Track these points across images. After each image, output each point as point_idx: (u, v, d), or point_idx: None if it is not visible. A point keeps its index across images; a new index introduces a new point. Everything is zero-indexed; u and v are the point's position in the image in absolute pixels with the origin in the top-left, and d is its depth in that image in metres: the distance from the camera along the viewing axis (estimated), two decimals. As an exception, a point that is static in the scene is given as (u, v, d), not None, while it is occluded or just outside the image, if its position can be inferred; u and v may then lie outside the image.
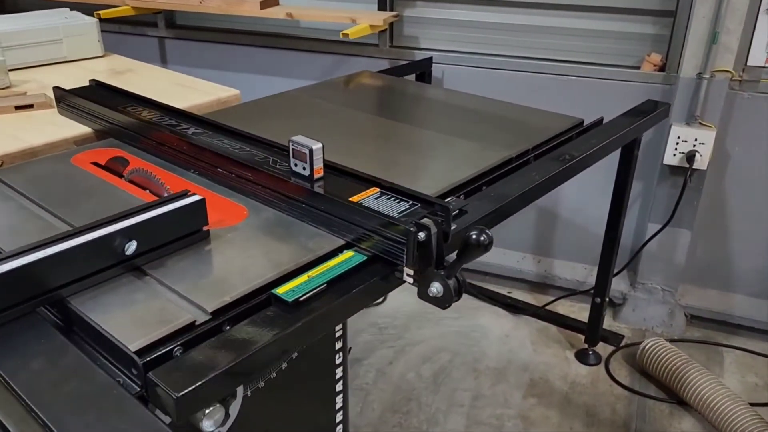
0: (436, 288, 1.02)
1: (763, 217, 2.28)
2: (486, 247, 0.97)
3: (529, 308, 2.61)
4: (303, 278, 0.99)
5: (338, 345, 1.24)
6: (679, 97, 2.16)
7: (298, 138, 1.14)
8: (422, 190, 1.16)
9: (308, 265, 1.02)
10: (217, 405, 0.94)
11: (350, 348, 2.36)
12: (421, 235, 0.99)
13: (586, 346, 2.34)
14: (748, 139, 2.19)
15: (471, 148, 1.51)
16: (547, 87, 2.37)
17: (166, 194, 1.19)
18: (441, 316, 2.58)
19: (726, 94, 2.13)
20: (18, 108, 1.70)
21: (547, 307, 2.62)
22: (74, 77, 1.86)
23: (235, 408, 1.00)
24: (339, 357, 1.26)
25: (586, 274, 2.59)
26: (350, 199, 1.08)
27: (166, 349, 0.83)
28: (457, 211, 1.21)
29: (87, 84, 1.73)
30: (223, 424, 0.97)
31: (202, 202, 1.05)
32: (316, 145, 1.12)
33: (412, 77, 2.39)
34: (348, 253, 1.06)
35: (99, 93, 1.65)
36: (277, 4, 2.56)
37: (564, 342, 2.44)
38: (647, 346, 2.21)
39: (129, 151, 1.43)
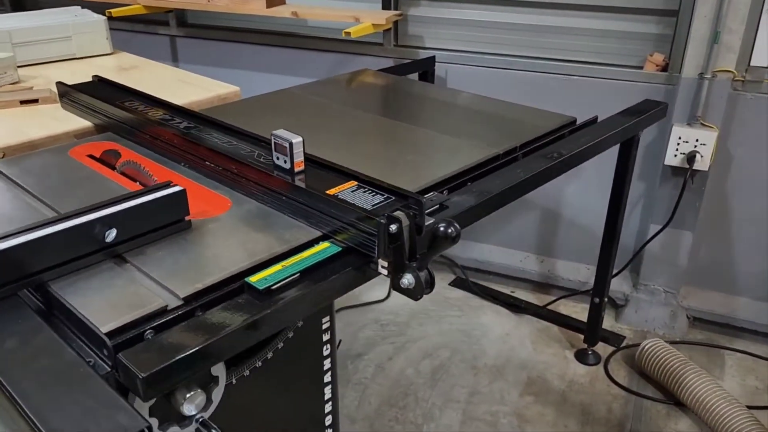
0: (407, 279, 1.04)
1: (767, 220, 2.26)
2: (453, 239, 0.99)
3: (530, 308, 2.61)
4: (277, 267, 1.01)
5: (326, 337, 1.26)
6: (681, 97, 2.15)
7: (280, 132, 1.17)
8: (406, 184, 1.19)
9: (284, 255, 1.05)
10: (198, 390, 0.97)
11: (340, 341, 2.39)
12: (393, 227, 1.01)
13: (585, 346, 2.33)
14: (752, 140, 2.17)
15: (459, 145, 1.52)
16: (549, 86, 2.37)
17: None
18: (443, 314, 2.60)
19: (729, 95, 2.11)
20: (23, 102, 1.76)
21: (548, 307, 2.62)
22: (82, 74, 1.91)
23: (217, 394, 1.02)
24: (327, 349, 1.28)
25: (588, 274, 2.58)
26: (327, 191, 1.11)
27: (137, 332, 0.87)
28: (437, 206, 1.23)
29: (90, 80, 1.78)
30: (205, 409, 1.00)
31: (183, 192, 1.08)
32: (296, 139, 1.15)
33: (415, 76, 2.41)
34: (323, 245, 1.08)
35: (100, 89, 1.70)
36: (284, 2, 2.60)
37: (564, 342, 2.43)
38: (646, 347, 2.21)
39: (125, 144, 1.47)
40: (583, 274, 2.59)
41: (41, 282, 0.95)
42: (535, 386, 2.21)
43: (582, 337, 2.37)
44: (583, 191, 2.49)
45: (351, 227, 1.05)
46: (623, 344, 2.41)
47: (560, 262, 2.65)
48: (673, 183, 2.26)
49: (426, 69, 2.40)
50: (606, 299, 2.21)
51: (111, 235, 1.00)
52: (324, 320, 1.24)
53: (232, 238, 1.09)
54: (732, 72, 2.06)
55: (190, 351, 0.84)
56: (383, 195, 1.11)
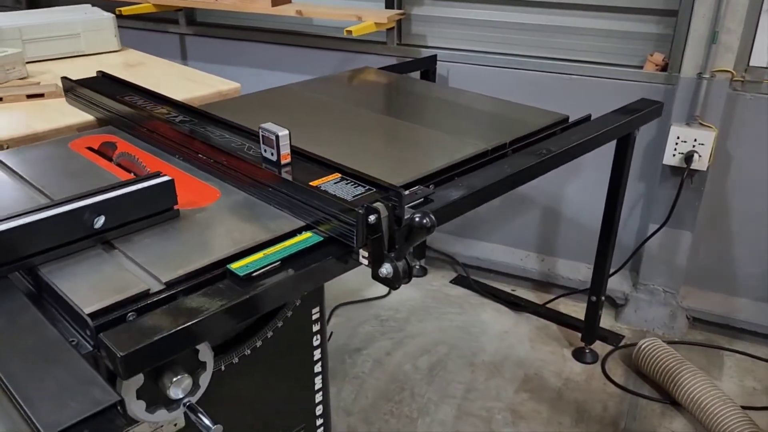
0: (386, 269, 1.06)
1: (767, 221, 2.25)
2: (428, 229, 1.01)
3: (530, 306, 2.62)
4: (259, 255, 1.05)
5: (316, 327, 1.29)
6: (679, 97, 2.16)
7: (267, 125, 1.20)
8: (392, 178, 1.21)
9: (267, 243, 1.08)
10: (185, 374, 1.00)
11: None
12: (372, 217, 1.04)
13: (583, 344, 2.34)
14: (751, 140, 2.16)
15: (448, 141, 1.55)
16: (549, 85, 2.38)
17: (145, 176, 1.26)
18: (443, 311, 2.62)
19: (728, 95, 2.11)
20: (30, 96, 1.81)
21: (548, 306, 2.63)
22: (90, 70, 1.96)
23: (204, 379, 1.05)
24: (317, 339, 1.31)
25: (588, 273, 2.57)
26: (311, 183, 1.14)
27: (119, 314, 0.90)
28: (422, 199, 1.26)
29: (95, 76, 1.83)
30: (192, 393, 1.03)
31: (171, 182, 1.11)
32: (282, 132, 1.18)
33: (417, 75, 2.44)
34: (306, 234, 1.11)
35: (103, 84, 1.75)
36: (289, 1, 2.64)
37: (563, 340, 2.44)
38: (643, 346, 2.21)
39: (124, 137, 1.51)
40: (583, 273, 2.60)
41: (31, 266, 0.99)
42: (531, 383, 2.23)
43: (580, 335, 2.38)
44: (583, 191, 2.50)
45: (332, 218, 1.08)
46: (621, 343, 2.41)
47: (560, 261, 2.66)
48: (672, 183, 2.26)
49: (427, 68, 2.42)
50: (603, 298, 2.22)
51: (99, 221, 1.04)
52: (314, 311, 1.27)
53: (218, 227, 1.13)
54: (730, 72, 2.06)
55: (168, 332, 0.88)
56: (365, 187, 1.14)
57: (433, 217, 1.01)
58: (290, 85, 1.98)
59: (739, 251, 2.35)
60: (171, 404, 1.00)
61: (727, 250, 2.37)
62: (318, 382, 1.35)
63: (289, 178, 1.16)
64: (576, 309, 2.59)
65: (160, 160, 1.37)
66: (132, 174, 1.32)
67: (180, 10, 3.02)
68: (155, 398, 0.99)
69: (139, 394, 0.97)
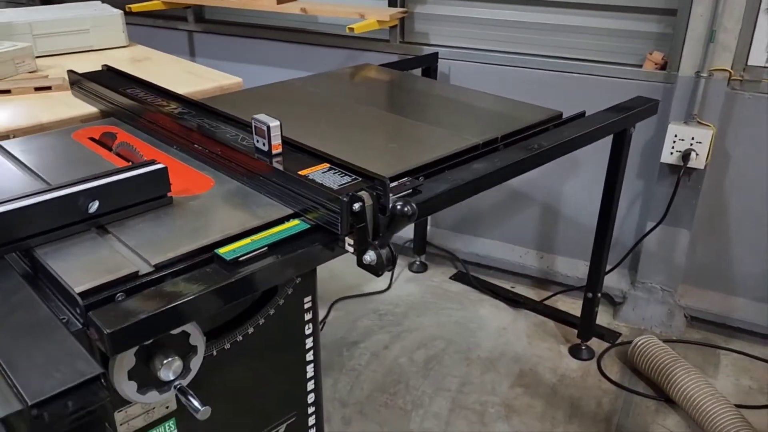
0: (369, 256, 1.09)
1: (765, 221, 2.26)
2: (410, 217, 1.04)
3: (528, 302, 2.64)
4: (246, 241, 1.08)
5: (308, 316, 1.32)
6: (678, 96, 2.17)
7: (259, 116, 1.23)
8: (384, 170, 1.24)
9: (255, 230, 1.12)
10: (176, 357, 1.04)
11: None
12: (356, 206, 1.07)
13: (579, 341, 2.36)
14: (749, 139, 2.17)
15: (441, 135, 1.58)
16: (549, 83, 2.40)
17: (142, 165, 1.30)
18: (442, 307, 2.64)
19: (726, 94, 2.12)
20: (37, 89, 1.86)
21: (546, 302, 2.65)
22: (98, 65, 2.00)
23: (196, 363, 1.09)
24: (309, 328, 1.34)
25: (587, 271, 2.59)
26: (300, 172, 1.17)
27: (109, 294, 0.94)
28: (410, 190, 1.29)
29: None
30: (183, 376, 1.07)
31: (164, 170, 1.15)
32: (274, 123, 1.21)
33: (418, 72, 2.47)
34: (293, 222, 1.15)
35: (108, 77, 1.79)
36: (294, -1, 2.68)
37: (560, 336, 2.46)
38: (638, 343, 2.23)
39: (125, 128, 1.55)
40: (582, 270, 2.61)
41: (28, 247, 1.03)
42: (526, 378, 2.25)
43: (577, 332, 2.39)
44: (582, 189, 2.52)
45: (318, 206, 1.11)
46: (618, 341, 2.42)
47: (559, 258, 2.68)
48: (669, 181, 2.27)
49: (428, 65, 2.45)
50: (599, 294, 2.24)
51: (93, 206, 1.08)
52: (306, 300, 1.30)
53: (210, 214, 1.16)
54: (728, 71, 2.07)
55: (154, 312, 0.91)
56: (351, 176, 1.17)
57: (414, 205, 1.04)
58: (291, 80, 2.02)
59: (737, 250, 2.35)
60: (162, 386, 1.04)
61: (725, 249, 2.37)
62: (310, 370, 1.38)
63: (279, 167, 1.20)
64: (574, 306, 2.61)
65: (157, 150, 1.41)
66: (129, 163, 1.36)
67: (188, 8, 3.07)
68: (146, 380, 1.02)
69: (131, 376, 1.00)
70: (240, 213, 1.17)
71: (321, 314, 2.52)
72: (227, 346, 1.17)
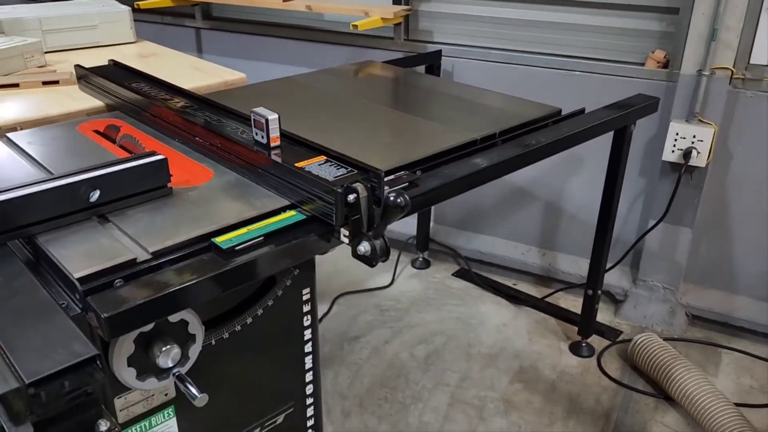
0: (363, 247, 1.11)
1: (767, 219, 2.26)
2: (402, 208, 1.06)
3: (529, 299, 2.65)
4: (243, 230, 1.10)
5: (306, 308, 1.34)
6: (679, 94, 2.17)
7: (259, 109, 1.26)
8: (382, 163, 1.26)
9: (251, 220, 1.14)
10: (174, 344, 1.07)
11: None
12: (351, 197, 1.09)
13: (580, 338, 2.37)
14: (751, 138, 2.17)
15: (440, 130, 1.59)
16: (552, 81, 2.41)
17: (143, 156, 1.33)
18: (443, 303, 2.66)
19: (728, 93, 2.13)
20: (45, 83, 1.89)
21: (547, 300, 2.66)
22: (105, 60, 2.04)
23: (194, 351, 1.11)
24: (307, 319, 1.36)
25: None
26: (296, 164, 1.19)
27: (107, 280, 0.96)
28: (407, 184, 1.31)
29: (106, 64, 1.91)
30: (182, 364, 1.09)
31: (164, 161, 1.18)
32: (272, 116, 1.24)
33: (422, 69, 2.48)
34: (290, 213, 1.17)
35: (114, 72, 1.82)
36: (300, -3, 2.70)
37: (560, 333, 2.47)
38: (638, 341, 2.23)
39: (129, 122, 1.58)
40: (584, 268, 2.60)
41: (30, 234, 1.06)
42: (526, 374, 2.26)
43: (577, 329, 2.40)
44: (585, 187, 2.53)
45: (314, 197, 1.14)
46: (619, 339, 2.43)
47: (561, 256, 2.69)
48: (671, 179, 2.28)
49: (432, 62, 2.47)
50: (600, 291, 2.24)
51: (94, 195, 1.10)
52: (304, 292, 1.32)
53: (208, 205, 1.19)
54: (730, 69, 2.08)
55: (150, 298, 0.94)
56: (347, 169, 1.19)
57: (407, 197, 1.06)
58: (294, 76, 2.04)
59: (740, 249, 2.35)
60: (161, 373, 1.06)
61: (727, 248, 2.37)
62: (308, 362, 1.40)
63: (277, 159, 1.22)
64: (575, 303, 2.61)
65: (159, 143, 1.43)
66: (131, 154, 1.38)
67: (196, 5, 3.11)
68: (145, 367, 1.05)
69: (130, 362, 1.03)
70: (238, 204, 1.19)
71: (324, 308, 2.56)
72: (226, 335, 1.19)
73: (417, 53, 2.57)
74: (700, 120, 2.15)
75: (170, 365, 1.07)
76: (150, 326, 1.01)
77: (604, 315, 2.55)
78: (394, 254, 2.90)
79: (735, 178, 2.26)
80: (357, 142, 1.53)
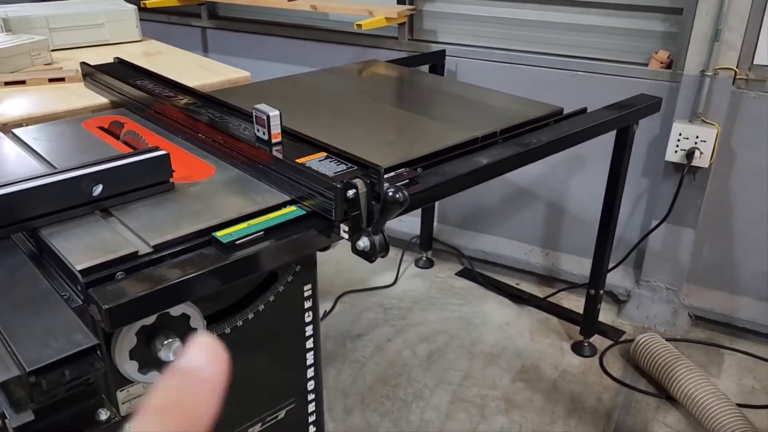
0: (363, 242, 1.12)
1: (770, 220, 2.26)
2: (401, 203, 1.07)
3: (532, 299, 2.66)
4: (243, 225, 1.11)
5: (308, 304, 1.35)
6: (683, 94, 2.18)
7: (260, 106, 1.27)
8: (383, 160, 1.27)
9: (252, 215, 1.15)
10: (176, 338, 1.08)
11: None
12: (350, 192, 1.10)
13: (582, 338, 2.37)
14: (754, 139, 2.17)
15: (441, 128, 1.60)
16: (555, 81, 2.42)
17: (147, 152, 1.34)
18: (446, 302, 2.66)
19: (732, 93, 2.13)
20: (51, 80, 1.91)
21: (550, 299, 2.66)
22: (111, 58, 2.05)
23: (195, 345, 1.12)
24: (309, 316, 1.37)
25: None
26: (297, 160, 1.20)
27: (109, 273, 0.98)
28: (407, 180, 1.32)
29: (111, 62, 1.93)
30: (183, 358, 1.11)
31: (166, 156, 1.19)
32: (273, 112, 1.25)
33: (425, 69, 2.49)
34: (290, 208, 1.18)
35: (119, 69, 1.84)
36: (304, -4, 2.72)
37: (563, 333, 2.47)
38: (640, 341, 2.23)
39: (134, 118, 1.59)
40: (587, 268, 2.60)
41: (33, 228, 1.07)
42: (527, 374, 2.26)
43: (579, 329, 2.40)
44: (588, 187, 2.53)
45: (314, 192, 1.15)
46: (621, 339, 2.43)
47: (564, 256, 2.69)
48: (674, 179, 2.28)
49: (435, 62, 2.48)
50: (602, 291, 2.24)
51: (97, 189, 1.11)
52: (306, 288, 1.33)
53: (210, 200, 1.20)
54: (733, 70, 2.08)
55: (151, 290, 0.95)
56: (347, 165, 1.20)
57: (406, 192, 1.07)
58: (297, 75, 2.05)
59: (743, 250, 2.35)
60: (163, 367, 1.07)
61: (730, 249, 2.37)
62: (310, 358, 1.41)
63: (278, 155, 1.23)
64: (578, 303, 2.61)
65: (162, 139, 1.45)
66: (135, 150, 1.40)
67: (202, 4, 3.13)
68: (148, 360, 1.06)
69: (132, 355, 1.04)
70: (238, 199, 1.20)
71: (327, 306, 2.57)
72: (227, 330, 1.21)
73: (421, 53, 2.58)
74: (703, 120, 2.15)
75: (172, 359, 1.08)
76: (152, 320, 1.02)
77: (606, 315, 2.55)
78: (397, 253, 2.91)
79: (738, 179, 2.26)
80: (358, 139, 1.54)
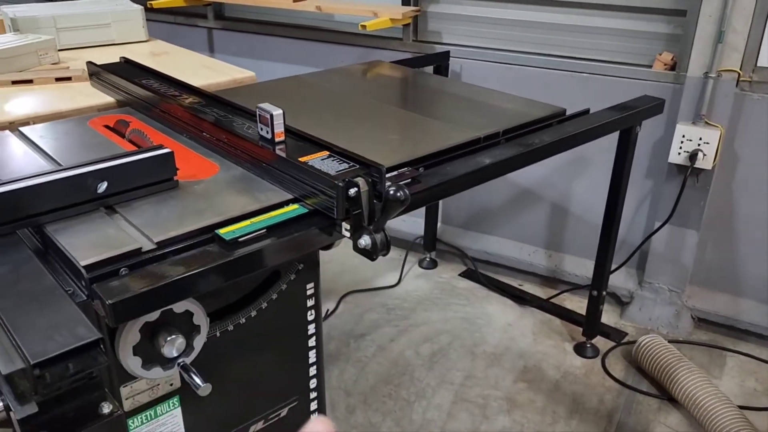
0: (364, 240, 1.13)
1: (774, 222, 2.26)
2: (402, 202, 1.08)
3: (535, 300, 2.66)
4: (246, 223, 1.12)
5: (310, 302, 1.36)
6: (686, 96, 2.18)
7: (264, 105, 1.28)
8: (386, 159, 1.28)
9: (255, 212, 1.16)
10: (179, 335, 1.09)
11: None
12: (352, 191, 1.11)
13: (584, 339, 2.37)
14: (758, 140, 2.17)
15: (443, 128, 1.61)
16: (559, 83, 2.42)
17: (151, 151, 1.35)
18: (449, 302, 2.67)
19: (735, 95, 2.13)
20: (58, 80, 1.93)
21: (553, 300, 2.66)
22: (118, 58, 2.07)
23: (198, 342, 1.13)
24: (311, 314, 1.38)
25: (595, 270, 2.61)
26: (300, 159, 1.21)
27: (113, 269, 0.99)
28: (410, 180, 1.33)
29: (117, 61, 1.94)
30: (186, 354, 1.12)
31: (170, 154, 1.20)
32: (277, 111, 1.26)
33: (430, 70, 2.50)
34: (293, 206, 1.19)
35: (125, 69, 1.86)
36: (310, -3, 2.73)
37: (565, 334, 2.48)
38: (642, 343, 2.23)
39: (139, 117, 1.61)
40: (590, 269, 2.59)
41: (39, 224, 1.08)
42: (530, 374, 2.27)
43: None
44: (591, 189, 2.53)
45: (316, 191, 1.16)
46: (624, 340, 2.43)
47: (567, 257, 2.69)
48: (677, 181, 2.28)
49: (440, 63, 2.49)
50: (604, 293, 2.25)
51: (102, 187, 1.13)
52: (308, 286, 1.34)
53: (213, 197, 1.21)
54: (737, 72, 2.08)
55: (154, 286, 0.96)
56: (349, 164, 1.21)
57: (407, 191, 1.08)
58: (302, 75, 2.07)
59: (746, 252, 2.35)
60: (166, 363, 1.08)
61: (733, 251, 2.37)
62: (312, 356, 1.42)
63: (281, 154, 1.24)
64: (581, 305, 2.61)
65: (167, 137, 1.46)
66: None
67: (208, 5, 3.14)
68: (151, 356, 1.07)
69: (136, 351, 1.05)
70: (241, 197, 1.21)
71: (331, 306, 2.58)
72: (230, 327, 1.22)
73: (425, 54, 2.59)
74: (706, 122, 2.16)
75: (175, 355, 1.09)
76: (155, 316, 1.03)
77: (609, 316, 2.55)
78: (401, 254, 2.92)
79: (741, 181, 2.25)
80: (362, 139, 1.55)
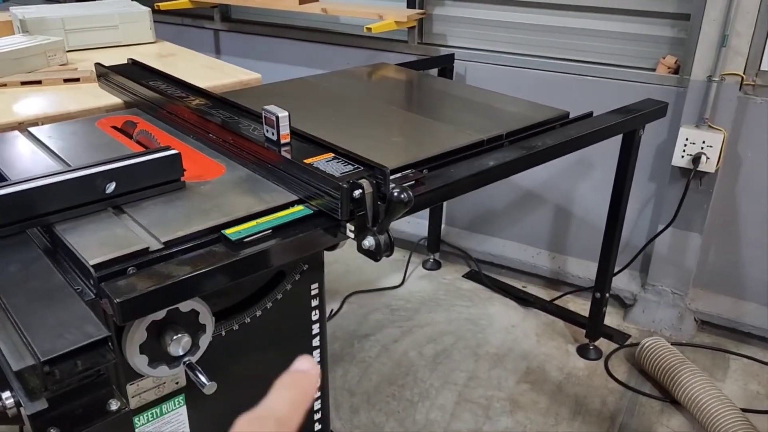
0: (368, 242, 1.15)
1: (777, 225, 2.26)
2: (406, 203, 1.09)
3: (538, 302, 2.67)
4: (252, 223, 1.14)
5: (315, 302, 1.37)
6: (689, 100, 2.19)
7: (270, 107, 1.30)
8: (390, 161, 1.29)
9: (260, 213, 1.17)
10: (185, 334, 1.10)
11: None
12: (356, 192, 1.13)
13: (588, 341, 2.38)
14: (761, 144, 2.18)
15: (448, 131, 1.62)
16: (563, 86, 2.43)
17: (159, 152, 1.37)
18: (453, 303, 2.68)
19: (738, 99, 2.13)
20: (66, 81, 1.95)
21: (556, 302, 2.67)
22: (125, 59, 2.09)
23: (204, 341, 1.15)
24: (316, 314, 1.39)
25: (598, 272, 2.62)
26: (305, 161, 1.23)
27: (121, 268, 1.00)
28: (413, 181, 1.34)
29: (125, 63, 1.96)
30: (192, 353, 1.13)
31: (177, 156, 1.22)
32: (282, 113, 1.27)
33: (434, 72, 2.52)
34: (298, 207, 1.20)
35: (132, 70, 1.87)
36: (316, 0, 2.75)
37: (569, 336, 2.48)
38: (646, 345, 2.24)
39: (146, 118, 1.63)
40: (593, 271, 2.60)
41: (48, 223, 1.10)
42: (533, 375, 2.28)
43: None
44: (595, 191, 2.54)
45: (321, 192, 1.17)
46: (627, 342, 2.44)
47: (571, 259, 2.70)
48: (680, 184, 2.29)
49: (445, 65, 2.50)
50: (608, 295, 2.26)
51: (110, 187, 1.14)
52: (313, 287, 1.35)
53: (219, 198, 1.22)
54: (740, 75, 2.08)
55: (161, 285, 0.98)
56: (354, 165, 1.22)
57: (411, 193, 1.09)
58: (307, 77, 2.08)
59: (749, 255, 2.35)
60: (172, 361, 1.10)
61: (736, 254, 2.37)
62: (316, 356, 1.43)
63: (287, 156, 1.25)
64: (584, 307, 2.62)
65: (174, 139, 1.48)
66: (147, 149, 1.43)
67: (215, 7, 3.17)
68: (157, 355, 1.08)
69: (142, 350, 1.07)
70: (247, 198, 1.23)
71: (335, 307, 2.60)
72: (236, 327, 1.23)
73: (430, 56, 2.61)
74: (709, 126, 2.16)
75: (181, 353, 1.10)
76: (162, 315, 1.05)
77: (612, 319, 2.56)
78: (405, 255, 2.93)
79: (744, 184, 2.26)
80: (366, 141, 1.56)
